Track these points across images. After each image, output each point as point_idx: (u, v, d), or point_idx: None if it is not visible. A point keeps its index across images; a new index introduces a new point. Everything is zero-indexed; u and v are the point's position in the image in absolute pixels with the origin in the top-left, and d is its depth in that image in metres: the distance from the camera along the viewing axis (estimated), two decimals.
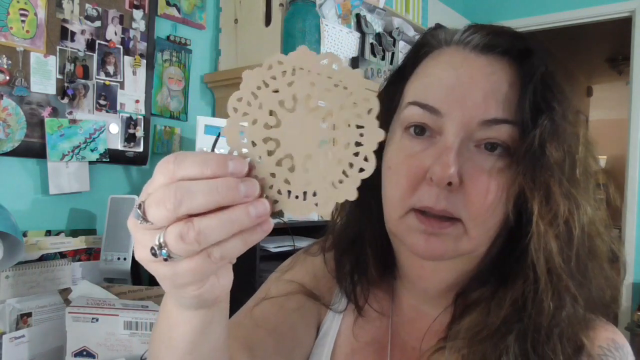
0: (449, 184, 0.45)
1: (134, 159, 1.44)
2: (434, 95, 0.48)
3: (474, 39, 0.50)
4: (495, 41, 0.49)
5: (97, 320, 1.00)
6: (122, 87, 1.41)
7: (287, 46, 1.47)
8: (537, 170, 0.44)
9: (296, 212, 0.34)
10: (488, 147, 0.47)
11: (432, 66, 0.50)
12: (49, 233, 1.26)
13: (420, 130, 0.49)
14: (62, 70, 1.28)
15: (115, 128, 1.39)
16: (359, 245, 0.57)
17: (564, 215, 0.44)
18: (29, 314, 1.05)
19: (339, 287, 0.60)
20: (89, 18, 1.33)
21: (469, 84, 0.47)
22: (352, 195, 0.32)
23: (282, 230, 1.23)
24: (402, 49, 1.95)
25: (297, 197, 0.33)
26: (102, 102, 1.37)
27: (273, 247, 1.29)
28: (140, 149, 1.46)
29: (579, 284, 0.45)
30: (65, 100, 1.29)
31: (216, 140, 1.33)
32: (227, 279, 0.35)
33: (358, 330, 0.58)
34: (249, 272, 1.11)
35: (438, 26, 0.55)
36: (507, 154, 0.47)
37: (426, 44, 0.53)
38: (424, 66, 0.51)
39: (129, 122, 1.43)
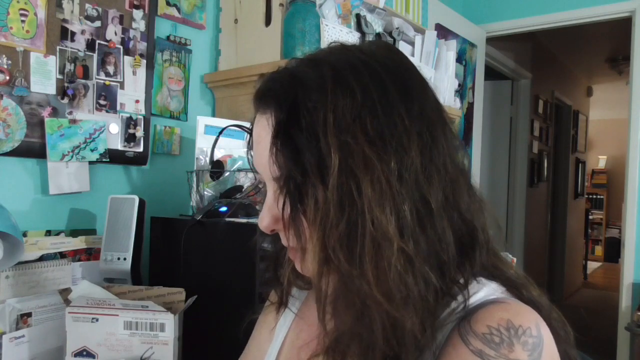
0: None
1: (134, 159, 1.44)
2: (254, 158, 0.55)
3: (255, 89, 0.54)
4: (263, 86, 0.53)
5: (97, 320, 1.00)
6: (122, 87, 1.41)
7: (287, 46, 1.47)
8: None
9: None
10: None
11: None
12: (49, 233, 1.26)
13: None
14: (62, 70, 1.28)
15: (115, 128, 1.39)
16: (278, 259, 0.65)
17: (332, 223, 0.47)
18: (29, 314, 1.05)
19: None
20: (89, 18, 1.33)
21: (256, 144, 0.54)
22: None
23: None
24: (402, 49, 1.95)
25: None
26: (102, 102, 1.37)
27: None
28: (140, 149, 1.46)
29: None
30: (65, 100, 1.29)
31: (216, 140, 1.33)
32: None
33: (296, 336, 0.65)
34: (249, 272, 1.11)
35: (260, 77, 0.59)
36: None
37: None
38: None
39: (129, 122, 1.43)
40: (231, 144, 1.41)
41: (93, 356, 1.00)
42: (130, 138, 1.43)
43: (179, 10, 1.57)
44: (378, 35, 1.82)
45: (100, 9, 1.36)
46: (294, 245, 0.52)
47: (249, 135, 0.59)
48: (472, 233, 0.52)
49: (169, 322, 0.99)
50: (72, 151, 1.28)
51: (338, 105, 0.47)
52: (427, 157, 0.49)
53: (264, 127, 0.51)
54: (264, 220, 0.53)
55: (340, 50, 0.52)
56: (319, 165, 0.46)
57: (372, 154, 0.46)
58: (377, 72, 0.49)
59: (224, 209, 1.24)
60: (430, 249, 0.48)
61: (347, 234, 0.46)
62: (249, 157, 0.60)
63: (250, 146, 0.58)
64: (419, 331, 0.46)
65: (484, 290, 0.51)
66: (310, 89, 0.48)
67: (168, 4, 1.54)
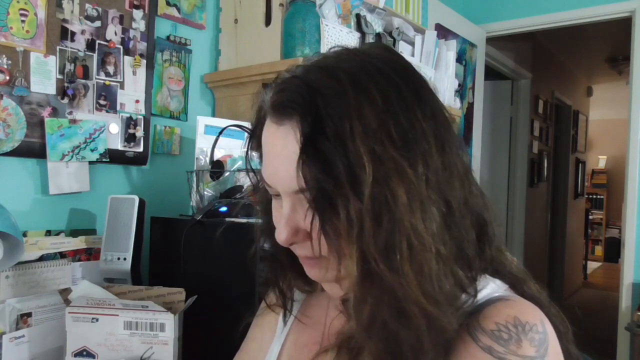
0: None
1: (134, 159, 1.44)
2: (264, 171, 0.53)
3: (270, 100, 0.51)
4: (281, 97, 0.50)
5: (97, 320, 1.00)
6: (122, 87, 1.41)
7: (287, 46, 1.47)
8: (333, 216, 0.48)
9: None
10: None
11: (262, 136, 0.54)
12: (49, 233, 1.26)
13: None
14: (62, 70, 1.28)
15: (115, 128, 1.39)
16: (280, 263, 0.64)
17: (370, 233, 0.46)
18: (29, 314, 1.05)
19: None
20: (89, 18, 1.33)
21: (274, 157, 0.51)
22: None
23: None
24: (402, 49, 1.95)
25: None
26: (102, 102, 1.37)
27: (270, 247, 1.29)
28: (140, 149, 1.46)
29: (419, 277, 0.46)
30: (65, 100, 1.29)
31: (216, 140, 1.33)
32: None
33: (299, 336, 0.65)
34: (249, 272, 1.11)
35: (263, 86, 0.57)
36: None
37: (260, 105, 0.55)
38: (262, 131, 0.54)
39: (129, 122, 1.43)
40: (231, 144, 1.41)
41: (93, 356, 1.00)
42: (130, 138, 1.43)
43: (179, 10, 1.57)
44: (378, 35, 1.82)
45: (100, 9, 1.36)
46: (318, 255, 0.51)
47: (250, 142, 0.58)
48: (483, 228, 0.54)
49: (169, 322, 0.99)
50: (72, 151, 1.28)
51: (362, 113, 0.46)
52: (444, 158, 0.49)
53: (286, 138, 0.49)
54: (283, 234, 0.51)
55: (347, 55, 0.51)
56: (351, 176, 0.45)
57: (402, 160, 0.46)
58: (389, 76, 0.49)
59: (224, 209, 1.24)
60: (457, 247, 0.49)
61: (386, 244, 0.45)
62: (249, 165, 0.59)
63: (257, 155, 0.57)
64: (452, 329, 0.47)
65: (490, 286, 0.53)
66: (330, 98, 0.47)
67: (168, 4, 1.54)
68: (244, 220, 1.19)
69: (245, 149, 0.59)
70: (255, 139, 0.57)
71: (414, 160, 0.46)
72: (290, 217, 0.51)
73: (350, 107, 0.46)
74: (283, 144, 0.49)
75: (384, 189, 0.45)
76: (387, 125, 0.46)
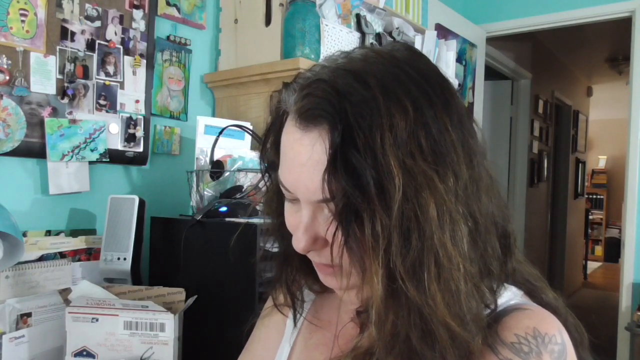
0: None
1: (134, 159, 1.44)
2: (284, 176, 0.51)
3: (296, 104, 0.49)
4: (309, 103, 0.47)
5: (97, 320, 1.00)
6: (122, 87, 1.41)
7: (287, 46, 1.47)
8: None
9: None
10: None
11: (282, 139, 0.51)
12: (49, 233, 1.26)
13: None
14: (62, 70, 1.28)
15: (115, 128, 1.39)
16: (291, 265, 0.63)
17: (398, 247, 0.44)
18: (29, 314, 1.05)
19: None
20: (89, 18, 1.33)
21: (298, 165, 0.48)
22: None
23: None
24: None
25: None
26: (102, 102, 1.37)
27: (273, 247, 1.29)
28: (140, 149, 1.46)
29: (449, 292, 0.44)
30: (65, 100, 1.29)
31: (216, 140, 1.33)
32: None
33: (309, 338, 0.64)
34: (249, 272, 1.11)
35: (284, 86, 0.55)
36: None
37: (280, 105, 0.53)
38: (283, 132, 0.52)
39: (129, 122, 1.43)
40: (231, 144, 1.41)
41: (93, 356, 1.00)
42: (130, 138, 1.43)
43: (179, 10, 1.57)
44: (378, 35, 1.82)
45: (100, 9, 1.36)
46: (337, 264, 0.49)
47: (265, 141, 0.56)
48: (507, 241, 0.53)
49: (169, 322, 0.99)
50: (72, 151, 1.28)
51: (393, 123, 0.43)
52: (472, 170, 0.48)
53: (312, 147, 0.46)
54: (302, 243, 0.49)
55: (375, 58, 0.49)
56: (380, 190, 0.43)
57: (432, 174, 0.44)
58: (420, 84, 0.46)
59: (224, 209, 1.24)
60: (482, 263, 0.48)
61: (414, 262, 0.44)
62: (263, 165, 0.57)
63: (270, 154, 0.55)
64: (477, 348, 0.45)
65: (506, 294, 0.52)
66: (360, 105, 0.44)
67: (168, 4, 1.54)
68: (244, 220, 1.19)
69: (261, 149, 0.57)
70: (272, 139, 0.55)
71: (444, 174, 0.45)
72: (309, 226, 0.49)
73: (382, 117, 0.43)
74: (309, 153, 0.47)
75: (414, 205, 0.43)
76: (418, 136, 0.44)
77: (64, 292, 1.12)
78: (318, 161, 0.46)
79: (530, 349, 0.46)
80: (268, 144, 0.56)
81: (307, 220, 0.49)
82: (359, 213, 0.44)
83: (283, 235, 0.60)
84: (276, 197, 0.58)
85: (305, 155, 0.47)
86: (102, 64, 1.37)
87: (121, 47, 1.41)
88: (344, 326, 0.59)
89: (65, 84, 1.29)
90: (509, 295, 0.52)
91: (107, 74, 1.38)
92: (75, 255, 1.25)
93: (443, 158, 0.45)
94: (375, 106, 0.44)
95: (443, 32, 2.58)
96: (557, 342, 0.47)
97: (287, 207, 0.54)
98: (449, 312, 0.44)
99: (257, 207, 1.35)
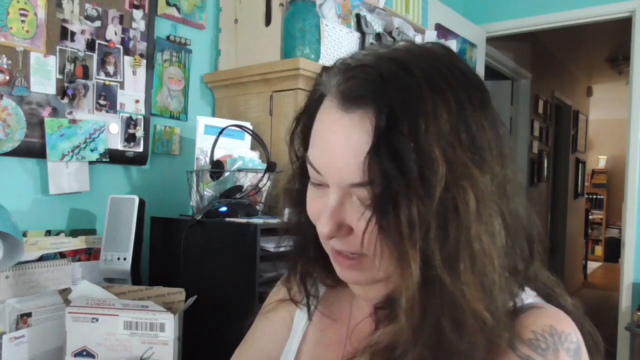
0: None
1: (134, 159, 1.44)
2: (315, 156, 0.50)
3: (337, 86, 0.49)
4: (354, 84, 0.47)
5: (97, 320, 1.00)
6: (122, 87, 1.41)
7: (287, 46, 1.47)
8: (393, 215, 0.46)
9: None
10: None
11: (318, 120, 0.51)
12: (48, 233, 1.26)
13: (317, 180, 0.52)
14: (62, 70, 1.28)
15: (115, 128, 1.39)
16: (306, 256, 0.62)
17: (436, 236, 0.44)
18: (29, 314, 1.05)
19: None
20: (89, 18, 1.33)
21: (334, 146, 0.48)
22: None
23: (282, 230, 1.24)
24: None
25: None
26: (102, 102, 1.37)
27: (273, 247, 1.29)
28: (140, 149, 1.46)
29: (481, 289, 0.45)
30: (65, 100, 1.29)
31: (216, 140, 1.33)
32: None
33: (320, 333, 0.63)
34: (249, 272, 1.11)
35: (324, 69, 0.53)
36: None
37: (318, 88, 0.53)
38: (318, 114, 0.51)
39: (129, 122, 1.43)
40: (231, 144, 1.41)
41: (93, 356, 1.00)
42: (130, 138, 1.43)
43: (179, 10, 1.57)
44: (378, 35, 1.82)
45: (100, 9, 1.36)
46: (360, 253, 0.49)
47: (298, 123, 0.55)
48: (532, 245, 0.54)
49: (169, 322, 0.99)
50: (72, 151, 1.28)
51: (437, 114, 0.44)
52: (504, 171, 0.48)
53: (353, 128, 0.46)
54: (327, 227, 0.48)
55: (418, 51, 0.49)
56: (422, 177, 0.43)
57: (473, 167, 0.44)
58: (461, 81, 0.47)
59: (224, 209, 1.24)
60: (512, 261, 0.49)
61: (451, 251, 0.44)
62: (293, 149, 0.56)
63: (300, 137, 0.54)
64: (503, 343, 0.46)
65: (521, 294, 0.52)
66: (405, 92, 0.44)
67: (168, 4, 1.54)
68: (244, 220, 1.19)
69: (291, 130, 0.56)
70: (303, 122, 0.55)
71: (482, 168, 0.45)
72: (336, 211, 0.49)
73: (426, 105, 0.44)
74: (348, 134, 0.46)
75: (454, 194, 0.43)
76: (458, 129, 0.45)
77: (64, 292, 1.12)
78: (358, 143, 0.45)
79: (548, 345, 0.46)
80: (299, 127, 0.56)
81: (334, 204, 0.49)
82: (398, 198, 0.44)
83: (301, 224, 0.59)
84: (299, 183, 0.58)
85: (343, 136, 0.47)
86: (102, 64, 1.37)
87: (121, 47, 1.41)
88: (357, 325, 0.59)
89: (65, 84, 1.29)
90: (524, 295, 0.53)
91: (107, 74, 1.38)
92: (75, 255, 1.25)
93: (480, 154, 0.46)
94: (420, 95, 0.44)
95: (443, 32, 2.58)
96: (573, 340, 0.47)
97: (312, 192, 0.53)
98: (483, 303, 0.44)
99: (257, 208, 1.35)
